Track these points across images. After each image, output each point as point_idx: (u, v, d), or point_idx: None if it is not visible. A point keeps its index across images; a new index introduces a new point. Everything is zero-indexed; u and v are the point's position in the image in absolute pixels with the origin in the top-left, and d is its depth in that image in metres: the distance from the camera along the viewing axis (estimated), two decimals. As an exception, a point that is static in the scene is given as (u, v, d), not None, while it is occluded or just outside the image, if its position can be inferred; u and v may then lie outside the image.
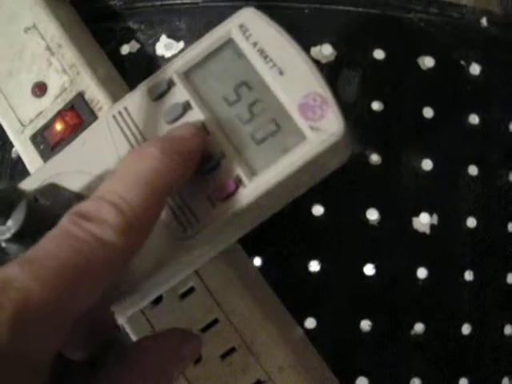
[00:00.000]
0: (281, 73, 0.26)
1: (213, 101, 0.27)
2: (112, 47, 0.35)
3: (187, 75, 0.27)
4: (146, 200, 0.22)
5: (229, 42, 0.27)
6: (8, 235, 0.23)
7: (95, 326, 0.24)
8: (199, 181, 0.26)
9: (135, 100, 0.27)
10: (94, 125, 0.28)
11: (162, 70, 0.27)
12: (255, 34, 0.27)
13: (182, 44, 0.34)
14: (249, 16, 0.27)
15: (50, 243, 0.21)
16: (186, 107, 0.26)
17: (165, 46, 0.34)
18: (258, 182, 0.25)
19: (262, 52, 0.26)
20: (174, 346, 0.24)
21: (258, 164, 0.26)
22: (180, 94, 0.27)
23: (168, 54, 0.34)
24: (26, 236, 0.23)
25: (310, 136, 0.25)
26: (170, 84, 0.27)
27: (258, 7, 0.34)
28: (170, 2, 0.35)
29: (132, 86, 0.34)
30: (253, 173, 0.25)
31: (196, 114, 0.26)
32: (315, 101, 0.25)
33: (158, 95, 0.27)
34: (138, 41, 0.35)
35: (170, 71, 0.27)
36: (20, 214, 0.23)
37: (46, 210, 0.24)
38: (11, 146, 0.37)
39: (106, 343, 0.24)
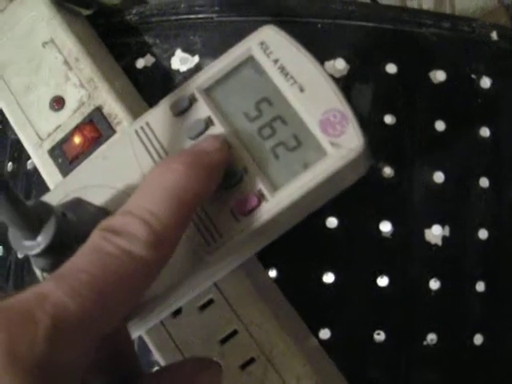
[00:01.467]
0: (301, 90, 0.26)
1: (234, 117, 0.27)
2: (127, 61, 0.36)
3: (209, 91, 0.28)
4: (173, 214, 0.22)
5: (249, 59, 0.27)
6: (38, 250, 0.23)
7: (116, 353, 0.24)
8: (222, 195, 0.26)
9: (157, 115, 0.28)
10: (115, 139, 0.28)
11: (184, 86, 0.28)
12: (276, 51, 0.27)
13: (197, 58, 0.35)
14: (269, 33, 0.27)
15: (81, 259, 0.21)
16: (208, 123, 0.27)
17: (180, 60, 0.35)
18: (280, 197, 0.26)
19: (282, 69, 0.27)
20: (190, 374, 0.24)
21: (280, 179, 0.26)
22: (202, 110, 0.27)
23: (183, 68, 0.35)
24: (55, 251, 0.24)
25: (330, 152, 0.26)
26: (192, 100, 0.27)
27: (272, 22, 0.35)
28: (185, 16, 0.35)
29: (148, 99, 0.35)
30: (275, 188, 0.26)
31: (218, 130, 0.27)
32: (335, 117, 0.26)
33: (181, 111, 0.27)
34: (153, 55, 0.35)
35: (192, 87, 0.28)
36: (50, 229, 0.23)
37: (74, 225, 0.24)
38: (27, 157, 0.37)
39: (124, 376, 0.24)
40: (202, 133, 0.27)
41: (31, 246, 0.23)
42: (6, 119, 0.38)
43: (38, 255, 0.23)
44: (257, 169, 0.26)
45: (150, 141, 0.27)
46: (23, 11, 0.34)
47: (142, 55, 0.36)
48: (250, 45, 0.27)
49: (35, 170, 0.36)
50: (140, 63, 0.36)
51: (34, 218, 0.23)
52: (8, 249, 0.39)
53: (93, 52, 0.34)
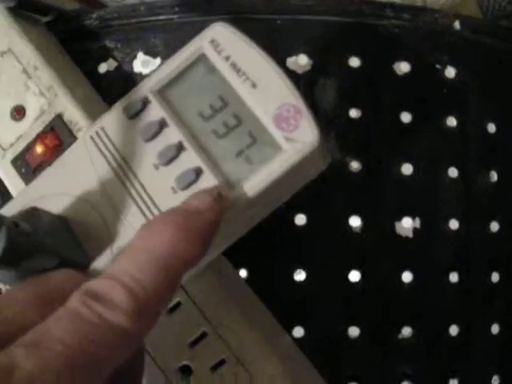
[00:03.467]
0: (254, 85, 0.26)
1: (188, 117, 0.27)
2: (89, 66, 0.35)
3: (162, 92, 0.27)
4: (159, 282, 0.21)
5: (201, 58, 0.27)
6: (-12, 261, 0.23)
7: None
8: (178, 196, 0.26)
9: (111, 119, 0.27)
10: (72, 146, 0.28)
11: (137, 88, 0.27)
12: (227, 48, 0.27)
13: (158, 60, 0.34)
14: (219, 31, 0.27)
15: (57, 325, 0.20)
16: (163, 124, 0.27)
17: (142, 63, 0.35)
18: (237, 195, 0.25)
19: (234, 66, 0.27)
20: None
21: (236, 177, 0.26)
22: (155, 111, 0.27)
23: (146, 71, 0.35)
24: (9, 262, 0.23)
25: (285, 147, 0.25)
26: (146, 102, 0.27)
27: (232, 20, 0.35)
28: (145, 18, 0.35)
29: (111, 104, 0.34)
30: (231, 186, 0.26)
31: (172, 131, 0.26)
32: (289, 111, 0.26)
33: (134, 113, 0.27)
34: (115, 59, 0.35)
35: (145, 89, 0.27)
36: (0, 240, 0.23)
37: (28, 235, 0.24)
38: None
39: None
40: (156, 134, 0.26)
41: (-18, 259, 0.23)
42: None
43: (-9, 267, 0.23)
44: (212, 168, 0.26)
45: (105, 145, 0.27)
46: (-20, 22, 0.34)
47: (104, 60, 0.35)
48: (200, 43, 0.27)
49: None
50: (102, 68, 0.35)
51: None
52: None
53: (52, 59, 0.33)
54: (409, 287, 0.33)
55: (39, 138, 0.32)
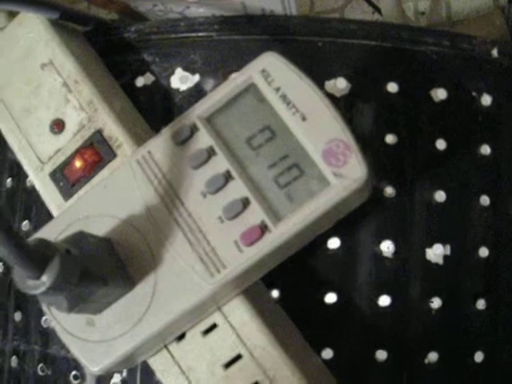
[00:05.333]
0: (304, 118, 0.26)
1: (236, 146, 0.27)
2: (126, 80, 0.35)
3: (210, 120, 0.27)
4: None
5: (251, 87, 0.27)
6: (43, 289, 0.23)
7: None
8: (225, 226, 0.26)
9: (159, 144, 0.28)
10: (117, 168, 0.28)
11: (185, 114, 0.28)
12: (277, 79, 0.27)
13: (197, 77, 0.34)
14: (270, 61, 0.27)
15: None
16: (210, 153, 0.27)
17: (180, 79, 0.35)
18: (284, 228, 0.26)
19: (284, 97, 0.27)
20: None
21: (283, 209, 0.26)
22: (204, 139, 0.27)
23: (183, 87, 0.35)
24: (60, 288, 0.24)
25: (333, 182, 0.26)
26: (194, 129, 0.27)
27: (272, 41, 0.35)
28: (185, 34, 0.35)
29: (148, 118, 0.35)
30: (278, 218, 0.26)
31: (220, 160, 0.27)
32: (338, 147, 0.26)
33: (182, 140, 0.27)
34: (152, 73, 0.35)
35: (193, 116, 0.27)
36: (54, 268, 0.23)
37: (78, 261, 0.24)
38: (26, 174, 0.37)
39: None
40: (204, 163, 0.27)
41: (36, 286, 0.23)
42: (2, 138, 0.38)
43: (42, 293, 0.23)
44: (260, 199, 0.26)
45: (151, 170, 0.27)
46: (21, 32, 0.34)
47: (142, 73, 0.35)
48: (251, 72, 0.27)
49: (34, 187, 0.35)
50: (140, 81, 0.35)
51: (37, 257, 0.23)
52: (8, 266, 0.39)
53: (92, 72, 0.33)
54: (436, 313, 0.33)
55: (78, 152, 0.32)
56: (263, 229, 0.26)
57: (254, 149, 0.27)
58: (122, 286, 0.27)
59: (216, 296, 0.27)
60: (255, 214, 0.26)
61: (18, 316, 0.37)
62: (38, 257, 0.23)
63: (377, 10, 0.61)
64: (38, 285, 0.23)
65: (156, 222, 0.27)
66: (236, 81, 0.27)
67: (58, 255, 0.23)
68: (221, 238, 0.26)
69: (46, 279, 0.23)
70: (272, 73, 0.27)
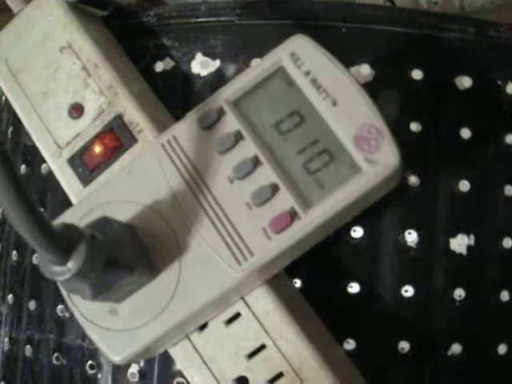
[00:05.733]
0: (334, 103, 0.26)
1: (264, 130, 0.26)
2: (145, 64, 0.35)
3: (237, 104, 0.27)
4: None
5: (279, 70, 0.27)
6: (68, 275, 0.22)
7: None
8: (253, 212, 0.26)
9: (185, 129, 0.27)
10: (141, 153, 0.28)
11: (211, 98, 0.27)
12: (307, 62, 0.26)
13: (218, 62, 0.34)
14: (300, 44, 0.27)
15: None
16: (238, 137, 0.26)
17: (200, 64, 0.34)
18: (313, 215, 0.25)
19: (314, 81, 0.26)
20: None
21: (313, 196, 0.26)
22: (231, 123, 0.26)
23: (204, 73, 0.34)
24: (85, 275, 0.23)
25: (365, 168, 0.25)
26: (221, 113, 0.27)
27: (295, 26, 0.34)
28: (205, 19, 0.34)
29: (167, 104, 0.34)
30: (307, 205, 0.25)
31: (248, 145, 0.26)
32: (370, 132, 0.25)
33: (209, 124, 0.27)
34: (172, 58, 0.35)
35: (220, 100, 0.27)
36: (80, 254, 0.22)
37: (103, 247, 0.24)
38: (40, 161, 0.36)
39: None
40: (231, 147, 0.26)
41: (61, 272, 0.22)
42: (18, 124, 0.37)
43: (67, 280, 0.23)
44: (289, 185, 0.26)
45: (177, 155, 0.27)
46: (39, 15, 0.33)
47: (161, 58, 0.35)
48: (280, 55, 0.27)
49: (49, 174, 0.35)
50: (159, 66, 0.35)
51: (62, 242, 0.22)
52: (22, 254, 0.38)
53: (111, 56, 0.33)
54: (460, 304, 0.33)
55: (98, 137, 0.31)
56: (293, 215, 0.25)
57: (282, 134, 0.26)
58: (146, 274, 0.26)
59: (242, 284, 0.26)
60: (284, 201, 0.25)
61: (32, 305, 0.37)
62: (64, 242, 0.22)
63: (390, 0, 0.60)
64: (63, 271, 0.23)
65: (182, 208, 0.26)
66: (264, 64, 0.27)
67: (84, 241, 0.23)
68: (248, 225, 0.26)
69: (71, 265, 0.22)
70: (302, 56, 0.26)
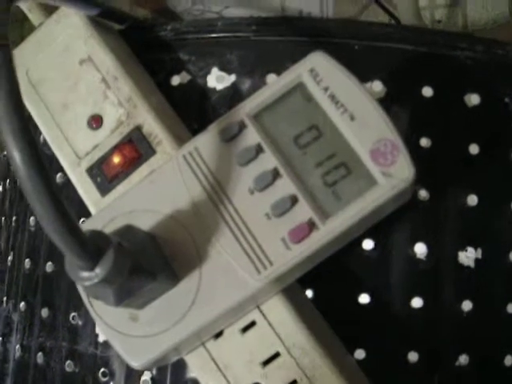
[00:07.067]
0: (352, 118, 0.27)
1: (284, 144, 0.27)
2: (162, 78, 0.36)
3: (258, 118, 0.28)
4: None
5: (299, 86, 0.28)
6: (96, 281, 0.23)
7: None
8: (273, 223, 0.26)
9: (206, 141, 0.28)
10: (163, 164, 0.28)
11: (233, 111, 0.28)
12: (326, 78, 0.27)
13: (233, 77, 0.35)
14: (319, 61, 0.28)
15: None
16: (258, 150, 0.27)
17: (216, 79, 0.35)
18: (331, 226, 0.26)
19: (333, 97, 0.27)
20: None
21: (330, 207, 0.26)
22: (252, 136, 0.27)
23: (220, 87, 0.35)
24: (111, 281, 0.24)
25: (381, 181, 0.26)
26: (242, 126, 0.27)
27: (308, 43, 0.35)
28: (222, 34, 0.35)
29: (184, 117, 0.35)
30: (326, 216, 0.26)
31: (268, 157, 0.27)
32: (386, 147, 0.26)
33: (230, 137, 0.27)
34: (188, 72, 0.35)
35: (241, 113, 0.28)
36: (108, 260, 0.23)
37: (128, 254, 0.24)
38: (55, 170, 0.37)
39: None
40: (252, 160, 0.27)
41: (89, 277, 0.23)
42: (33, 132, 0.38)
43: (93, 285, 0.23)
44: (307, 197, 0.26)
45: (198, 166, 0.28)
46: (60, 28, 0.34)
47: (177, 72, 0.35)
48: (299, 71, 0.28)
49: (65, 183, 0.35)
50: (175, 80, 0.35)
51: (91, 248, 0.23)
52: (35, 262, 0.39)
53: (130, 69, 0.33)
54: (468, 316, 0.34)
55: (117, 148, 0.32)
56: (311, 226, 0.26)
57: (301, 147, 0.27)
58: (168, 282, 0.27)
59: (260, 293, 0.27)
60: (303, 212, 0.26)
61: (45, 312, 0.37)
62: (93, 248, 0.23)
63: (393, 17, 0.61)
64: (90, 276, 0.23)
65: (202, 217, 0.27)
66: (284, 79, 0.28)
67: (111, 247, 0.23)
68: (268, 235, 0.26)
69: (99, 271, 0.23)
70: (320, 72, 0.27)
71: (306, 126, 0.27)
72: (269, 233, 0.26)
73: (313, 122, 0.27)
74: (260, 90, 0.28)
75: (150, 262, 0.26)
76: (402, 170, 0.26)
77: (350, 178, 0.26)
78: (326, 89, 0.27)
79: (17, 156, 0.20)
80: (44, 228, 0.21)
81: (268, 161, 0.27)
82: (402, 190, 0.26)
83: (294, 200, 0.26)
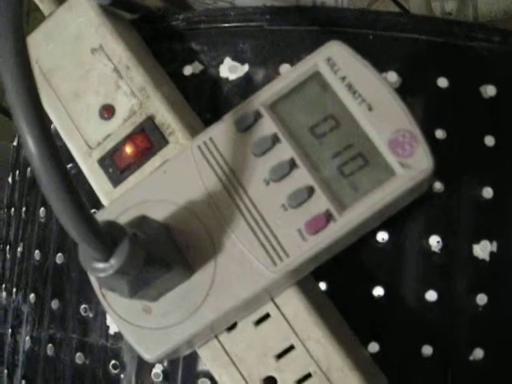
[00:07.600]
0: (370, 108, 0.26)
1: (300, 134, 0.27)
2: (174, 68, 0.35)
3: (274, 107, 0.27)
4: None
5: (315, 75, 0.27)
6: (111, 272, 0.23)
7: None
8: (289, 214, 0.26)
9: (221, 131, 0.27)
10: (177, 154, 0.28)
11: (248, 101, 0.27)
12: (343, 68, 0.27)
13: (246, 67, 0.34)
14: (336, 50, 0.27)
15: None
16: (275, 140, 0.27)
17: (229, 69, 0.34)
18: (349, 217, 0.26)
19: (350, 87, 0.27)
20: None
21: (347, 198, 0.26)
22: (268, 126, 0.27)
23: (232, 77, 0.34)
24: (125, 272, 0.23)
25: (399, 172, 0.26)
26: (257, 116, 0.27)
27: (322, 32, 0.35)
28: (235, 24, 0.35)
29: (196, 107, 0.34)
30: (343, 207, 0.26)
31: (285, 147, 0.27)
32: (405, 137, 0.26)
33: (245, 127, 0.27)
34: (201, 62, 0.35)
35: (257, 103, 0.27)
36: (123, 251, 0.23)
37: (142, 245, 0.24)
38: (65, 160, 0.36)
39: None
40: (268, 150, 0.26)
41: (103, 268, 0.23)
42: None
43: (108, 276, 0.23)
44: (324, 188, 0.26)
45: (213, 156, 0.27)
46: (71, 17, 0.33)
47: (190, 62, 0.35)
48: (316, 61, 0.27)
49: (74, 175, 0.35)
50: (187, 70, 0.35)
51: (107, 240, 0.23)
52: (45, 254, 0.38)
53: (142, 59, 0.33)
54: (483, 309, 0.33)
55: (129, 138, 0.31)
56: (328, 217, 0.26)
57: (317, 137, 0.27)
58: (182, 273, 0.26)
59: (275, 285, 0.27)
60: (320, 203, 0.26)
61: (55, 304, 0.37)
62: (108, 240, 0.23)
63: (404, 9, 0.61)
64: (105, 268, 0.23)
65: (217, 208, 0.27)
66: (301, 68, 0.27)
67: (126, 238, 0.23)
68: (284, 226, 0.26)
69: (114, 262, 0.23)
70: (338, 62, 0.27)
71: (322, 115, 0.27)
72: (285, 224, 0.26)
73: (330, 112, 0.27)
74: (276, 79, 0.27)
75: (165, 252, 0.26)
76: (421, 161, 0.25)
77: (367, 168, 0.26)
78: (343, 78, 0.27)
79: (32, 145, 0.20)
80: (59, 218, 0.21)
81: (284, 151, 0.26)
82: (420, 181, 0.26)
83: (310, 191, 0.26)
